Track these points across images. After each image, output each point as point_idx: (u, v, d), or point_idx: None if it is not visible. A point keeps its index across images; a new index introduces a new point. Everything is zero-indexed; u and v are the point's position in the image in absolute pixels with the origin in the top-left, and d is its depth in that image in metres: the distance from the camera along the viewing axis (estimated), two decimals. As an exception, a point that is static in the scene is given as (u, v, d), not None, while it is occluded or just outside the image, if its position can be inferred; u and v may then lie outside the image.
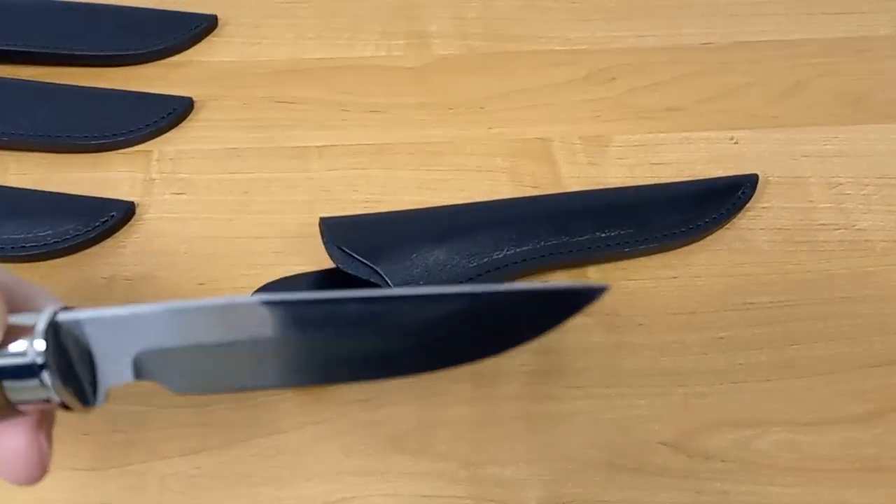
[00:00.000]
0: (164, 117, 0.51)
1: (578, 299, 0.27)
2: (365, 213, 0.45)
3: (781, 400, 0.40)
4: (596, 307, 0.42)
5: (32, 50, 0.54)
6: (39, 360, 0.26)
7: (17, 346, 0.26)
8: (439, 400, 0.40)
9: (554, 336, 0.42)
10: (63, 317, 0.27)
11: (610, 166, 0.49)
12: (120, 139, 0.50)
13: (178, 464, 0.38)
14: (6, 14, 0.56)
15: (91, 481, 0.38)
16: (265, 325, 0.27)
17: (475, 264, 0.42)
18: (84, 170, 0.49)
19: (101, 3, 0.58)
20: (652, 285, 0.44)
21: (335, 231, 0.43)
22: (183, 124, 0.52)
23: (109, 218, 0.46)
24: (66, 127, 0.50)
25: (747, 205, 0.47)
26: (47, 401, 0.27)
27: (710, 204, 0.46)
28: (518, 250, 0.43)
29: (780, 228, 0.46)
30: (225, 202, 0.48)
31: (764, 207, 0.47)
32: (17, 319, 0.27)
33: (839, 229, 0.46)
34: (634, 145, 0.50)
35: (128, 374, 0.28)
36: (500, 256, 0.43)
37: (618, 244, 0.44)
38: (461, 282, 0.42)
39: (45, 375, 0.26)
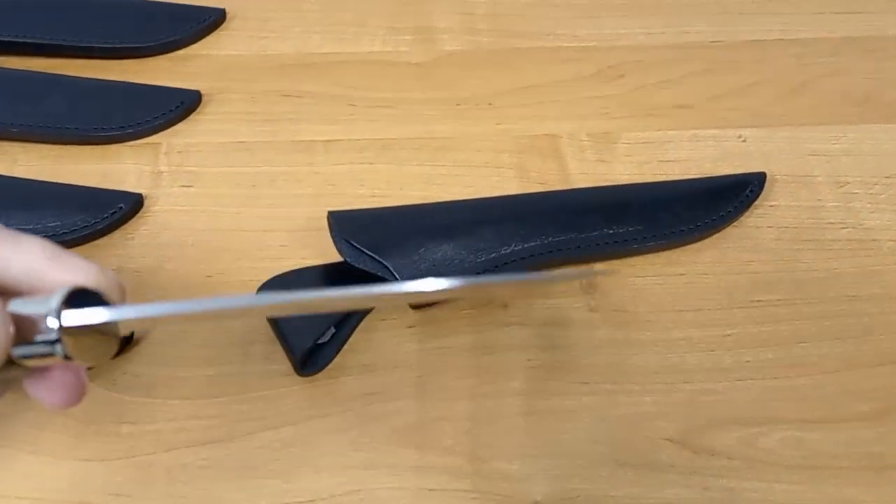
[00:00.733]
0: (172, 110, 0.51)
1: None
2: (373, 208, 0.45)
3: (788, 398, 0.40)
4: (603, 303, 0.43)
5: (42, 42, 0.54)
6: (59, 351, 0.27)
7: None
8: (445, 395, 0.40)
9: (560, 332, 0.42)
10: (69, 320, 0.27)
11: (618, 163, 0.49)
12: (128, 131, 0.50)
13: (186, 455, 0.38)
14: (17, 6, 0.56)
15: (98, 472, 0.38)
16: None
17: (482, 259, 0.42)
18: (92, 162, 0.49)
19: (109, -5, 0.58)
20: (659, 282, 0.44)
21: (343, 225, 0.43)
22: (191, 117, 0.52)
23: (118, 210, 0.46)
24: (75, 119, 0.50)
25: (755, 203, 0.47)
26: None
27: (718, 202, 0.46)
28: (525, 246, 0.43)
29: (787, 227, 0.46)
30: (232, 195, 0.48)
31: (771, 206, 0.47)
32: (29, 309, 0.27)
33: (846, 228, 0.46)
34: (643, 142, 0.50)
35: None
36: (507, 252, 0.43)
37: (625, 241, 0.44)
38: (469, 277, 0.42)
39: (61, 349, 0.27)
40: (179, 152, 0.50)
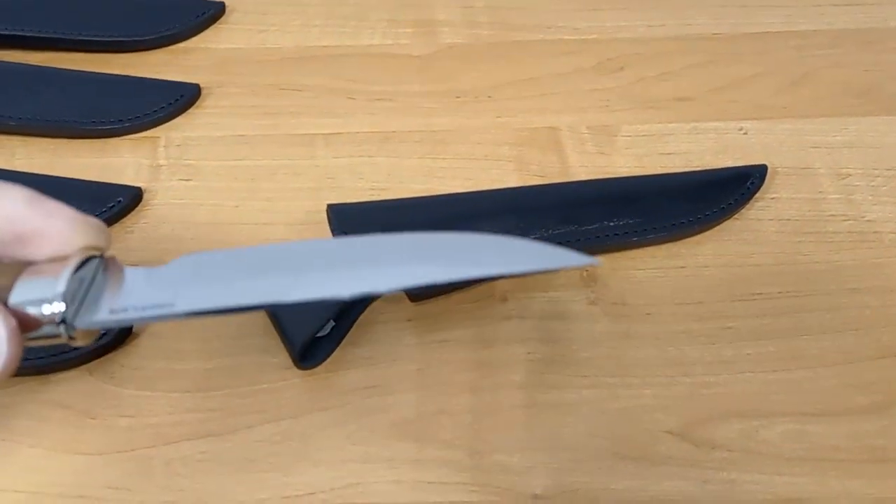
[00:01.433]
0: (171, 104, 0.51)
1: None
2: (372, 201, 0.45)
3: (789, 391, 0.40)
4: (603, 296, 0.43)
5: (41, 35, 0.54)
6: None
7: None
8: (444, 388, 0.40)
9: (560, 325, 0.42)
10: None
11: (618, 156, 0.49)
12: (127, 125, 0.50)
13: (184, 448, 0.38)
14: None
15: (97, 466, 0.38)
16: None
17: (482, 252, 0.42)
18: (91, 155, 0.49)
19: (108, -11, 0.58)
20: (660, 275, 0.44)
21: (343, 218, 0.43)
22: (190, 111, 0.52)
23: (116, 203, 0.46)
24: (74, 112, 0.50)
25: (756, 195, 0.47)
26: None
27: (719, 194, 0.46)
28: (525, 240, 0.43)
29: (788, 219, 0.46)
30: (232, 189, 0.48)
31: (772, 198, 0.47)
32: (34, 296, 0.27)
33: (848, 220, 0.46)
34: (643, 135, 0.50)
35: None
36: (507, 245, 0.43)
37: (626, 233, 0.44)
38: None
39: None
40: (178, 146, 0.50)
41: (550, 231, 0.43)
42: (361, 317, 0.42)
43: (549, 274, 0.44)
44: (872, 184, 0.48)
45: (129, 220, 0.46)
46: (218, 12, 0.57)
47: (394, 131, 0.50)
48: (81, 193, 0.46)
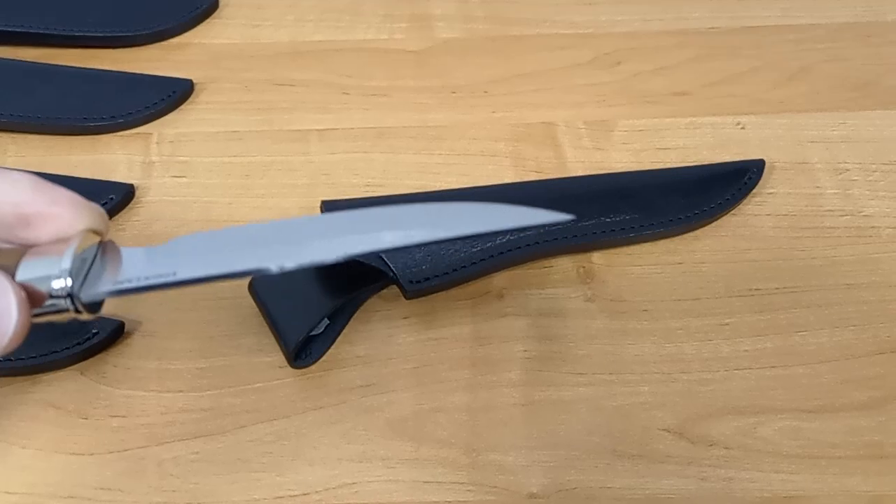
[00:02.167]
0: (163, 99, 0.51)
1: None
2: (367, 197, 0.45)
3: (786, 387, 0.40)
4: (600, 293, 0.43)
5: (32, 31, 0.54)
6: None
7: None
8: (440, 386, 0.40)
9: (557, 322, 0.42)
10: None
11: (615, 151, 0.49)
12: (119, 121, 0.49)
13: (177, 449, 0.38)
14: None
15: (88, 466, 0.37)
16: None
17: (478, 249, 0.42)
18: (83, 152, 0.49)
19: (100, -16, 0.57)
20: (657, 271, 0.44)
21: (336, 215, 0.42)
22: (183, 107, 0.51)
23: (108, 200, 0.45)
24: (65, 109, 0.50)
25: (753, 190, 0.46)
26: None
27: (716, 189, 0.45)
28: (521, 235, 0.43)
29: (785, 214, 0.46)
30: (225, 185, 0.47)
31: (770, 193, 0.47)
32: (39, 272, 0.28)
33: (845, 215, 0.46)
34: (640, 130, 0.50)
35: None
36: (503, 241, 0.42)
37: (622, 229, 0.44)
38: (464, 267, 0.42)
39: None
40: (171, 142, 0.49)
41: (546, 227, 0.43)
42: (356, 315, 0.42)
43: (545, 270, 0.44)
44: (870, 178, 0.47)
45: (121, 218, 0.46)
46: (211, 7, 0.57)
47: (389, 127, 0.50)
48: (73, 190, 0.45)
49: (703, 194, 0.45)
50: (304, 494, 0.37)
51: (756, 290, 0.43)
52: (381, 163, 0.48)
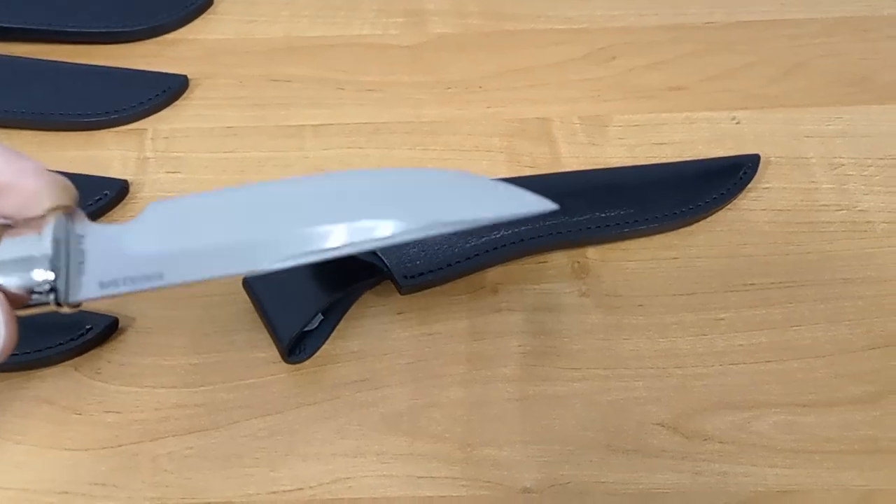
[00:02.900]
0: (158, 95, 0.50)
1: None
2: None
3: (781, 381, 0.40)
4: (595, 288, 0.43)
5: (26, 27, 0.53)
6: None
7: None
8: (434, 381, 0.40)
9: (551, 317, 0.42)
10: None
11: (610, 146, 0.49)
12: (113, 117, 0.49)
13: (171, 444, 0.38)
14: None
15: (83, 461, 0.37)
16: None
17: (472, 244, 0.42)
18: (77, 148, 0.49)
19: (95, -21, 0.57)
20: (652, 266, 0.44)
21: (330, 210, 0.42)
22: (177, 102, 0.51)
23: (103, 196, 0.45)
24: (59, 105, 0.49)
25: (748, 185, 0.46)
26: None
27: (711, 184, 0.45)
28: (516, 230, 0.43)
29: (781, 209, 0.46)
30: (220, 181, 0.47)
31: (765, 188, 0.47)
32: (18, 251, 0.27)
33: (840, 210, 0.46)
34: (635, 125, 0.50)
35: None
36: (497, 236, 0.42)
37: (617, 224, 0.44)
38: (459, 262, 0.42)
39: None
40: (165, 138, 0.49)
41: (541, 222, 0.43)
42: (350, 310, 0.42)
43: (540, 265, 0.44)
44: (865, 173, 0.47)
45: (115, 214, 0.46)
46: (206, 3, 0.56)
47: (383, 122, 0.50)
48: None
49: (698, 189, 0.45)
50: (298, 489, 0.37)
51: (751, 284, 0.43)
52: (376, 158, 0.48)
